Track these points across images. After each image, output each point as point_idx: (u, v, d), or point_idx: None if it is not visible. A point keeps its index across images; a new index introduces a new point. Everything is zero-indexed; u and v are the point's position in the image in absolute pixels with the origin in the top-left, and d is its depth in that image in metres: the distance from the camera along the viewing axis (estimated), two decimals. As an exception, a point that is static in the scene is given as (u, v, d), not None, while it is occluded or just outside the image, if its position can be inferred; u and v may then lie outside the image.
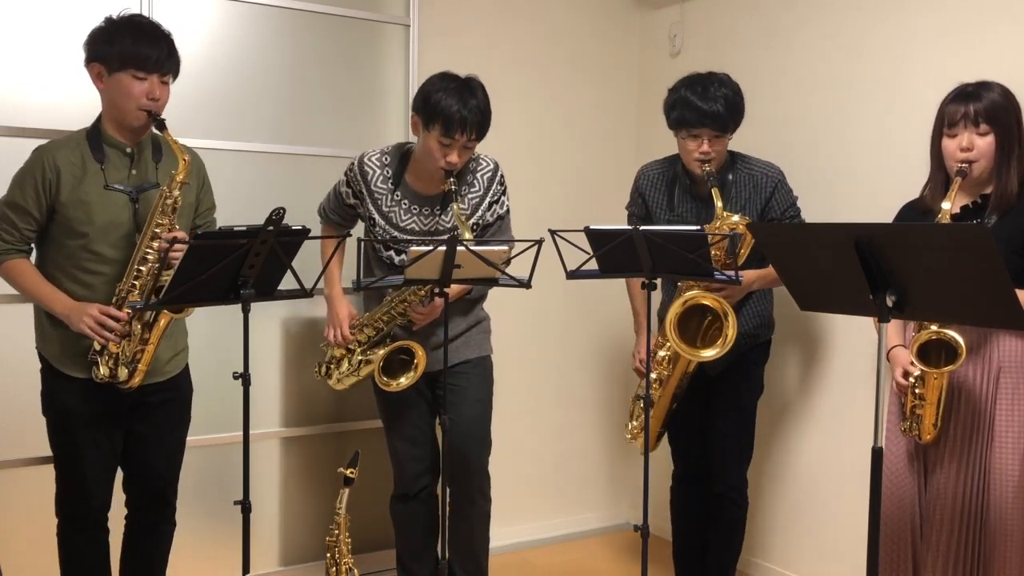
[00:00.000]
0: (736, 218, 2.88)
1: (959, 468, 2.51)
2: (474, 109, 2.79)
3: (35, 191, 2.51)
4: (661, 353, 3.04)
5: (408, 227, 2.96)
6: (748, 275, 2.92)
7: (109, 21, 2.55)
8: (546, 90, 4.04)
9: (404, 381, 2.92)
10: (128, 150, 2.60)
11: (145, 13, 3.15)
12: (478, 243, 2.71)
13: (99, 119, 2.61)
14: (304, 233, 2.41)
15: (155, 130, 2.57)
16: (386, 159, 3.00)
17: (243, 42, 3.38)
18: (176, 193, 2.52)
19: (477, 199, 2.97)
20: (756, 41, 3.70)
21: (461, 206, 2.90)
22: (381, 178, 2.97)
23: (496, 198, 3.00)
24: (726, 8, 3.84)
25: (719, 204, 2.87)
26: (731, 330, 2.83)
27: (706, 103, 2.90)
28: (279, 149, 3.45)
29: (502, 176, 3.02)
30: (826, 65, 3.42)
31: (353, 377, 3.03)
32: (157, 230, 2.51)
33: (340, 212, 3.09)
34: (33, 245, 2.60)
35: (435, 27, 3.72)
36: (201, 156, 3.24)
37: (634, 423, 3.20)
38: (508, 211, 3.06)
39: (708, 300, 2.87)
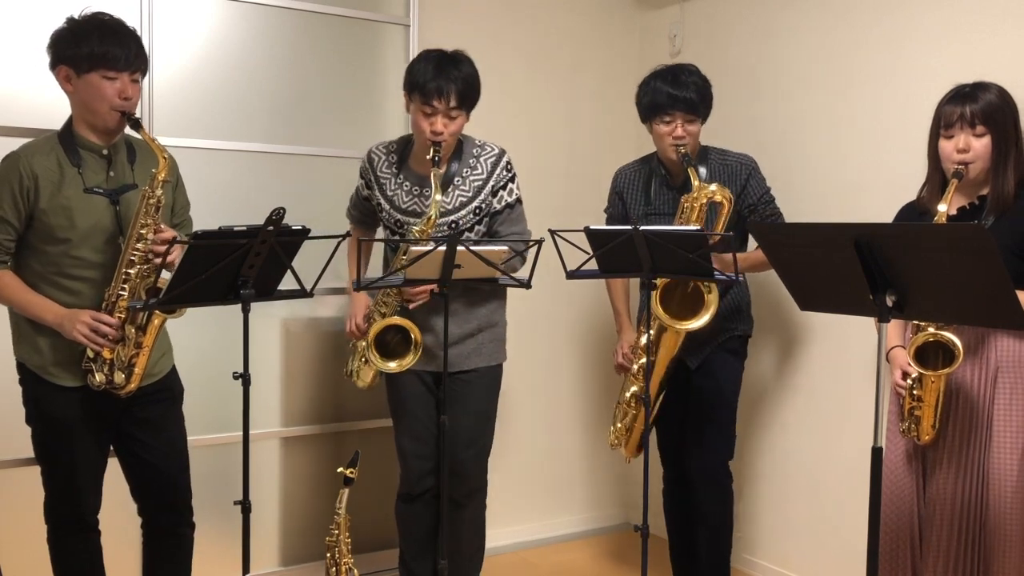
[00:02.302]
0: (714, 187, 2.94)
1: (957, 469, 2.51)
2: (454, 77, 2.81)
3: (13, 200, 2.46)
4: (643, 340, 3.03)
5: (409, 208, 2.97)
6: (727, 257, 2.92)
7: (72, 22, 2.48)
8: (546, 90, 4.04)
9: (393, 365, 2.88)
10: (104, 152, 2.55)
11: (145, 13, 3.16)
12: (478, 243, 2.71)
13: (70, 122, 2.55)
14: (304, 233, 2.40)
15: (131, 129, 2.52)
16: (392, 147, 3.05)
17: (243, 42, 3.38)
18: (159, 192, 2.48)
19: (480, 182, 2.96)
20: (756, 40, 3.70)
21: (439, 171, 2.85)
22: (386, 163, 3.02)
23: (503, 184, 2.99)
24: (726, 8, 3.84)
25: (696, 182, 2.93)
26: (713, 299, 2.87)
27: (677, 89, 3.01)
28: (279, 149, 3.45)
29: (509, 163, 3.01)
30: (825, 65, 3.43)
31: (366, 367, 3.03)
32: (142, 231, 2.47)
33: (360, 207, 3.13)
34: (11, 255, 2.54)
35: (435, 27, 3.72)
36: (201, 156, 3.26)
37: (619, 425, 3.18)
38: (519, 200, 3.05)
39: None
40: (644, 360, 2.97)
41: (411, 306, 2.90)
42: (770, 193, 3.16)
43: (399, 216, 2.97)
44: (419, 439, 3.05)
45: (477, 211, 2.96)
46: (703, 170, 3.10)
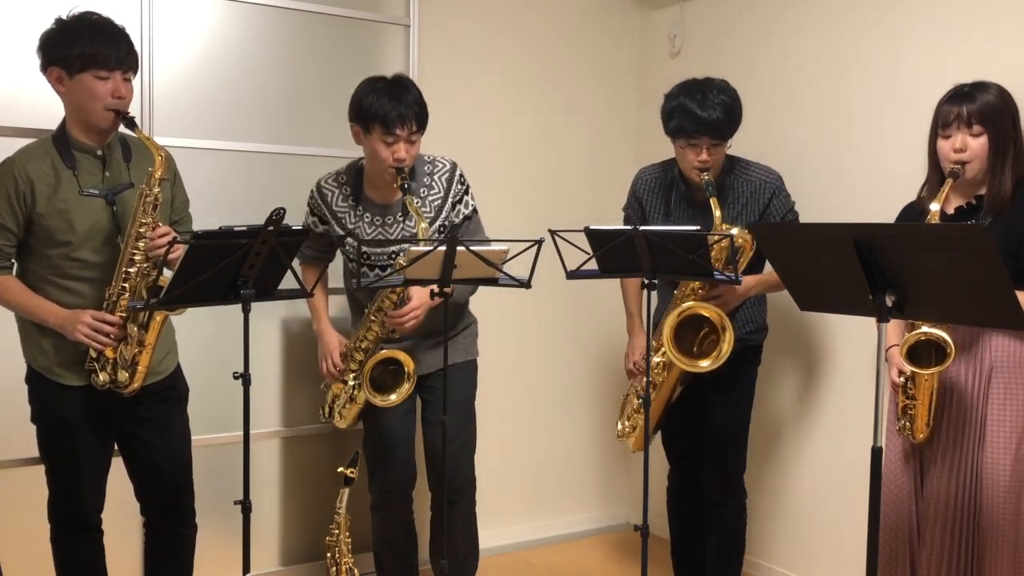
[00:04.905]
0: (735, 231, 2.81)
1: (951, 467, 2.52)
2: (409, 102, 2.81)
3: (10, 206, 2.46)
4: (656, 359, 3.01)
5: (374, 239, 2.96)
6: (746, 280, 2.90)
7: (61, 22, 2.47)
8: (546, 90, 4.04)
9: (394, 398, 2.88)
10: (98, 153, 2.55)
11: (145, 13, 3.16)
12: (477, 243, 2.71)
13: (63, 124, 2.55)
14: (304, 233, 2.41)
15: (125, 128, 2.51)
16: (342, 178, 3.01)
17: (243, 42, 3.38)
18: (156, 190, 2.48)
19: (439, 200, 2.97)
20: (756, 41, 3.70)
21: (415, 199, 2.87)
22: (340, 197, 2.98)
23: (459, 198, 3.00)
24: (726, 8, 3.84)
25: (718, 214, 2.84)
26: (727, 344, 2.81)
27: (705, 111, 2.86)
28: (279, 149, 3.45)
29: (462, 175, 3.02)
30: (826, 65, 3.43)
31: (352, 405, 3.01)
32: (141, 230, 2.47)
33: (313, 245, 3.05)
34: (14, 260, 2.55)
35: (435, 27, 3.72)
36: (201, 156, 3.26)
37: (626, 422, 3.17)
38: (475, 210, 3.05)
39: (706, 311, 2.85)
40: (647, 365, 2.97)
41: (397, 335, 2.88)
42: (793, 211, 3.06)
43: (364, 248, 2.96)
44: (393, 444, 3.04)
45: (441, 229, 2.96)
46: (728, 181, 3.01)
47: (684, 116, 2.89)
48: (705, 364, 2.87)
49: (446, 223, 2.97)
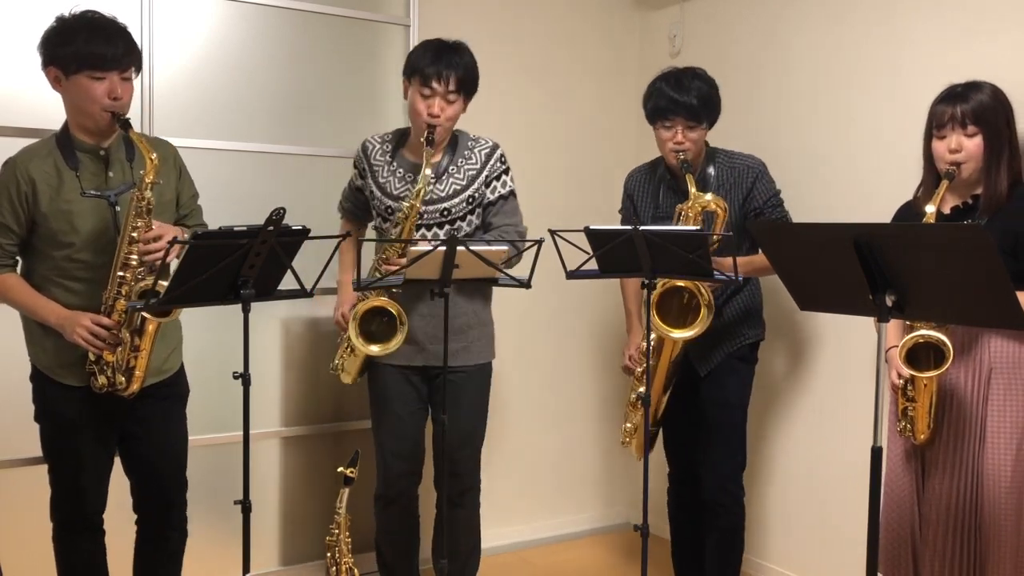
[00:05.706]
0: (708, 196, 2.90)
1: (952, 469, 2.51)
2: (455, 64, 2.86)
3: (11, 206, 2.46)
4: (643, 344, 3.02)
5: (400, 194, 2.97)
6: (730, 263, 2.92)
7: (61, 20, 2.45)
8: (546, 90, 4.04)
9: (376, 349, 2.85)
10: (100, 153, 2.54)
11: (145, 13, 3.16)
12: (477, 243, 2.71)
13: (66, 124, 2.54)
14: (304, 233, 2.40)
15: (120, 130, 2.49)
16: (387, 136, 3.10)
17: (243, 42, 3.38)
18: (148, 195, 2.45)
19: (474, 172, 2.99)
20: (756, 41, 3.71)
21: (431, 150, 2.86)
22: (380, 151, 3.05)
23: (496, 175, 3.01)
24: (726, 8, 3.84)
25: (692, 189, 2.90)
26: (707, 305, 2.84)
27: (679, 94, 2.96)
28: (279, 149, 3.45)
29: (503, 156, 3.04)
30: (826, 65, 3.43)
31: (352, 358, 3.02)
32: (134, 234, 2.45)
33: (353, 199, 3.15)
34: (17, 258, 2.55)
35: (435, 27, 3.71)
36: (201, 156, 3.25)
37: (628, 426, 3.17)
38: (513, 193, 3.06)
39: (682, 282, 2.88)
40: (647, 363, 2.97)
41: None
42: (778, 196, 3.10)
43: (389, 202, 2.98)
44: (400, 437, 3.03)
45: (470, 200, 2.97)
46: (712, 170, 3.07)
47: (659, 97, 3.00)
48: (690, 333, 2.88)
49: (476, 195, 2.98)
